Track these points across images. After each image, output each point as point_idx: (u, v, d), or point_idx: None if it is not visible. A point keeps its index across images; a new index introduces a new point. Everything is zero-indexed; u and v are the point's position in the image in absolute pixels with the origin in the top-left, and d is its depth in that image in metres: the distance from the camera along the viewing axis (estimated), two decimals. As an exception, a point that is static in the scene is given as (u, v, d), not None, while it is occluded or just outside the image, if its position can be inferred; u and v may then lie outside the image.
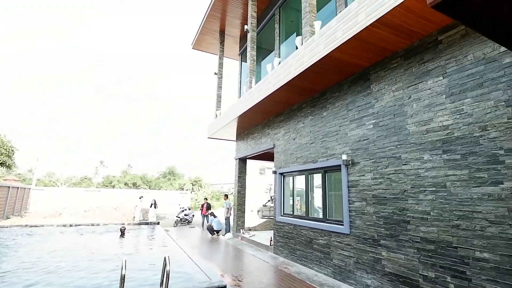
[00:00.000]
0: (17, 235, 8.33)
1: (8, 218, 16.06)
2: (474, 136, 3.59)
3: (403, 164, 4.49)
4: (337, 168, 5.96)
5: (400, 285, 4.31)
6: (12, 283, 4.29)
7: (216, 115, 11.64)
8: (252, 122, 9.87)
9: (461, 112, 3.75)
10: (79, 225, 10.37)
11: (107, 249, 7.00)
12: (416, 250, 4.15)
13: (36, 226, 9.75)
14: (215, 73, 12.22)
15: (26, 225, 9.71)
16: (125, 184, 39.31)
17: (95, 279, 4.58)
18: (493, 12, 1.55)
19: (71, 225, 10.16)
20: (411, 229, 4.25)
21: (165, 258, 3.55)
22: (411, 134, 4.40)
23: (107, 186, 38.43)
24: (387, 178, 4.75)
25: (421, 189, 4.18)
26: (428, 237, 4.01)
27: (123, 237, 8.05)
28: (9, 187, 16.21)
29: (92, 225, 10.57)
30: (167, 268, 3.46)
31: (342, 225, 5.60)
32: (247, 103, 8.28)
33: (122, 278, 3.19)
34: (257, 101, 7.60)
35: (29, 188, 22.30)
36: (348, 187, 5.53)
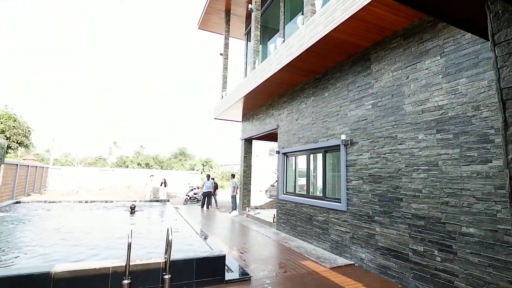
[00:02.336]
0: (36, 209, 8.97)
1: (29, 195, 17.07)
2: (467, 116, 3.64)
3: (398, 144, 4.58)
4: (336, 148, 6.09)
5: (391, 258, 4.55)
6: (35, 250, 4.78)
7: (222, 96, 11.75)
8: (257, 103, 9.96)
9: (456, 92, 3.77)
10: (94, 201, 11.02)
11: (119, 223, 7.52)
12: (407, 226, 4.34)
13: (54, 202, 10.44)
14: (221, 54, 12.19)
15: (45, 201, 10.42)
16: (138, 164, 40.50)
17: (107, 247, 5.03)
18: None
19: (86, 202, 10.82)
20: (404, 206, 4.42)
21: (168, 229, 3.89)
22: (408, 114, 4.45)
23: (120, 166, 39.70)
24: (383, 157, 4.86)
25: (414, 168, 4.30)
26: (419, 213, 4.18)
27: (133, 214, 8.55)
28: (28, 166, 17.07)
29: (106, 201, 11.22)
30: (170, 237, 3.80)
31: (340, 202, 5.82)
32: (251, 84, 8.35)
33: (129, 245, 3.54)
34: (260, 82, 7.66)
35: (47, 167, 23.39)
36: (346, 166, 5.68)
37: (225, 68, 11.99)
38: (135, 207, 9.09)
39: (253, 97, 9.09)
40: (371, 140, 5.15)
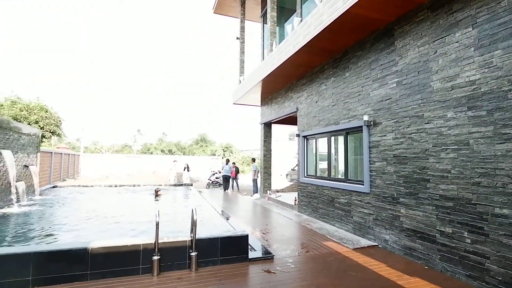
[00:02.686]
0: (71, 193, 9.62)
1: (64, 180, 18.30)
2: (503, 91, 3.39)
3: (425, 123, 4.39)
4: (358, 129, 5.94)
5: (417, 240, 4.48)
6: (74, 229, 5.17)
7: (240, 80, 11.70)
8: (275, 87, 9.84)
9: (490, 66, 3.51)
10: (123, 185, 11.63)
11: (146, 205, 7.91)
12: (434, 207, 4.21)
13: (87, 186, 11.14)
14: (237, 38, 12.03)
15: (79, 185, 11.14)
16: (162, 151, 41.87)
17: (137, 226, 5.34)
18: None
19: (116, 186, 11.44)
20: (431, 187, 4.28)
21: (192, 209, 4.05)
22: (435, 91, 4.22)
23: (145, 153, 41.25)
24: (408, 138, 4.69)
25: (442, 147, 4.11)
26: (447, 194, 4.04)
27: (158, 198, 8.88)
28: (61, 153, 18.20)
29: (134, 185, 11.80)
30: (195, 217, 3.96)
31: (363, 184, 5.73)
32: (268, 67, 8.23)
33: (157, 224, 3.74)
34: (278, 65, 7.53)
35: (78, 155, 24.84)
36: (369, 147, 5.55)
37: (242, 52, 11.86)
38: (159, 190, 9.47)
39: (271, 80, 8.97)
40: (395, 120, 4.96)
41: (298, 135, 8.51)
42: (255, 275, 3.88)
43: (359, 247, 5.16)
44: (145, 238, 3.91)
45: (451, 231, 3.99)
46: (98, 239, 4.01)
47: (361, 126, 5.74)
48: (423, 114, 4.43)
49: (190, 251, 3.96)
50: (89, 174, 23.66)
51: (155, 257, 3.75)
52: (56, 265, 3.44)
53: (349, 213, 6.10)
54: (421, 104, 4.45)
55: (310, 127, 7.87)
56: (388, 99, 5.12)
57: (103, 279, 3.57)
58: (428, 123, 4.33)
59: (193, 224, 3.97)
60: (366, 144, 5.59)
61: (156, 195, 9.05)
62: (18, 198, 6.97)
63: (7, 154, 6.43)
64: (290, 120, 10.58)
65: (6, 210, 6.23)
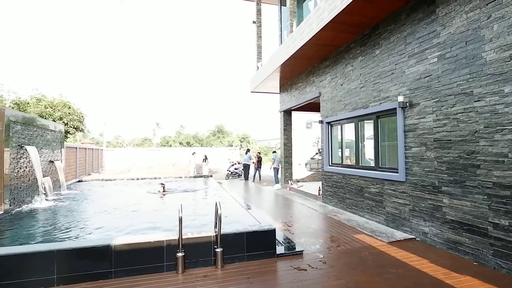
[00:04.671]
0: (95, 187, 9.76)
1: (89, 174, 18.90)
2: None
3: (475, 101, 3.83)
4: (391, 112, 5.41)
5: (463, 233, 4.01)
6: (98, 223, 5.11)
7: (258, 67, 11.26)
8: (296, 71, 9.33)
9: None
10: (143, 178, 11.72)
11: (166, 199, 7.82)
12: (486, 197, 3.71)
13: (110, 180, 11.31)
14: (254, 22, 11.52)
15: (102, 179, 11.33)
16: (180, 143, 42.46)
17: (161, 220, 5.21)
18: None
19: (138, 179, 11.54)
20: (482, 174, 3.76)
21: (216, 203, 3.80)
22: (489, 63, 3.64)
23: (164, 145, 42.01)
24: (453, 119, 4.15)
25: (497, 128, 3.57)
26: (503, 182, 3.52)
27: (165, 193, 8.30)
28: (85, 148, 18.75)
29: (154, 178, 11.85)
30: (219, 212, 3.71)
31: (397, 172, 5.25)
32: (288, 50, 7.74)
33: (180, 220, 3.53)
34: (299, 46, 7.03)
35: (102, 149, 25.60)
36: (405, 131, 5.03)
37: (259, 36, 11.36)
38: (164, 185, 8.42)
39: (291, 64, 8.49)
40: (436, 99, 4.41)
41: (321, 122, 8.04)
42: (285, 273, 3.60)
43: (394, 240, 4.74)
44: (168, 234, 3.72)
45: (507, 224, 3.49)
46: (120, 235, 3.88)
47: (395, 109, 5.21)
48: (472, 91, 3.87)
49: (215, 247, 3.73)
50: (112, 167, 24.37)
51: (180, 254, 3.56)
52: (80, 263, 3.33)
53: (381, 203, 5.66)
54: (470, 80, 3.88)
55: (335, 113, 7.38)
56: (427, 76, 4.56)
57: (128, 277, 3.43)
58: (479, 100, 3.78)
59: (218, 218, 3.72)
60: (401, 128, 5.07)
61: (164, 190, 8.44)
62: (45, 193, 7.09)
63: (32, 150, 6.48)
64: (312, 106, 10.08)
65: (34, 205, 6.32)
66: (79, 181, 11.06)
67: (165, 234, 3.73)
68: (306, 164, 21.91)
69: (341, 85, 7.01)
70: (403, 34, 5.05)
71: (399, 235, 4.98)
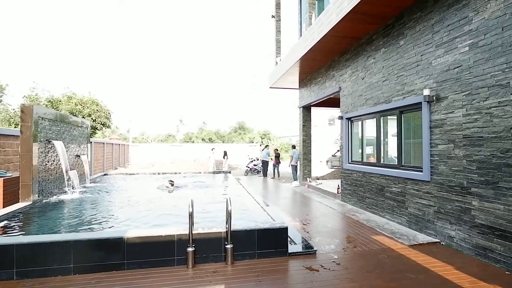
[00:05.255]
0: (118, 180, 10.15)
1: (116, 168, 19.78)
2: None
3: (511, 94, 3.45)
4: (416, 106, 5.06)
5: (495, 239, 3.66)
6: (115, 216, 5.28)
7: (276, 62, 11.08)
8: (315, 65, 9.05)
9: None
10: (164, 173, 12.01)
11: (182, 194, 7.92)
12: (521, 200, 3.35)
13: (133, 174, 11.72)
14: (273, 16, 11.33)
15: (126, 173, 11.77)
16: (202, 139, 43.26)
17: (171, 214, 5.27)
18: None
19: (158, 173, 11.86)
20: (517, 174, 3.39)
21: (227, 199, 3.75)
22: (529, 50, 3.25)
23: (187, 141, 43.02)
24: (486, 113, 3.78)
25: (537, 123, 3.19)
26: (542, 184, 3.15)
27: (171, 189, 8.15)
28: (112, 144, 19.62)
29: (175, 173, 12.11)
30: (229, 208, 3.66)
31: (421, 171, 4.91)
32: (307, 43, 7.50)
33: (190, 215, 3.52)
34: (318, 39, 6.78)
35: (128, 145, 26.70)
36: (430, 127, 4.68)
37: (278, 31, 11.15)
38: (173, 182, 8.23)
39: (310, 58, 8.23)
40: (467, 92, 4.04)
41: (341, 118, 7.74)
42: (296, 272, 3.48)
43: (416, 243, 4.45)
44: (179, 228, 3.74)
45: (547, 230, 3.12)
46: (133, 228, 3.96)
47: (420, 103, 4.86)
48: (508, 83, 3.49)
49: (226, 243, 3.70)
50: (138, 162, 25.35)
51: (190, 249, 3.56)
52: (95, 254, 3.43)
53: (403, 203, 5.34)
54: (506, 70, 3.50)
55: (355, 108, 7.06)
56: (457, 67, 4.18)
57: (140, 269, 3.49)
58: (516, 93, 3.40)
59: (228, 215, 3.68)
60: (427, 124, 4.72)
61: (172, 185, 8.31)
62: (71, 186, 7.47)
63: (59, 144, 6.83)
64: (332, 102, 9.76)
65: (60, 197, 6.67)
66: (104, 175, 11.57)
67: (176, 228, 3.75)
68: (327, 162, 21.45)
69: (362, 79, 6.68)
70: (430, 22, 4.67)
71: (422, 238, 4.66)
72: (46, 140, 6.44)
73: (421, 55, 4.89)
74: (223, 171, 13.84)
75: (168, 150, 28.75)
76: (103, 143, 16.72)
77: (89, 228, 4.55)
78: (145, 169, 18.92)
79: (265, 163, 14.50)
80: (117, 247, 3.48)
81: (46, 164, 6.37)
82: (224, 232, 3.74)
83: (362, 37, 6.59)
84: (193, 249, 3.58)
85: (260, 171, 16.65)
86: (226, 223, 3.74)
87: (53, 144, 6.66)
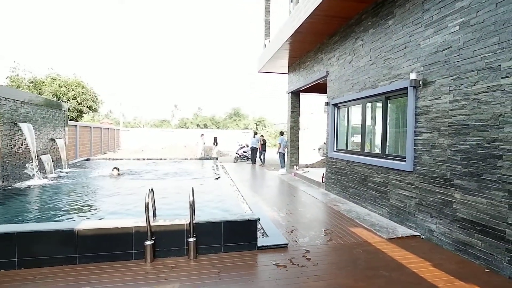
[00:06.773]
0: (99, 165, 9.78)
1: (105, 153, 19.35)
2: None
3: (502, 77, 3.12)
4: (402, 92, 4.72)
5: (476, 234, 3.43)
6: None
7: (265, 44, 10.56)
8: (304, 48, 8.59)
9: None
10: (150, 159, 11.68)
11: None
12: (507, 194, 3.09)
13: (116, 159, 11.36)
14: (262, -5, 10.69)
15: (109, 159, 11.42)
16: (197, 125, 42.67)
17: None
18: None
19: (143, 159, 11.52)
20: (504, 166, 3.12)
21: (191, 188, 3.46)
22: (524, 28, 2.90)
23: (182, 127, 42.42)
24: (473, 99, 3.46)
25: (528, 111, 2.88)
26: (528, 177, 2.88)
27: (116, 177, 7.72)
28: (100, 128, 19.08)
29: (160, 159, 11.78)
30: (191, 198, 3.37)
31: (404, 161, 4.64)
32: (295, 22, 7.03)
33: (146, 206, 3.22)
34: (304, 18, 6.31)
35: (118, 129, 26.13)
36: (416, 114, 4.37)
37: (268, 11, 10.57)
38: (118, 169, 7.87)
39: (299, 40, 7.77)
40: (455, 76, 3.70)
41: (327, 104, 7.39)
42: (262, 268, 3.24)
43: (395, 237, 4.23)
44: (138, 220, 3.44)
45: (530, 227, 2.89)
46: (86, 219, 3.66)
47: (406, 88, 4.52)
48: (499, 65, 3.15)
49: (189, 236, 3.43)
50: (128, 147, 24.90)
51: (148, 242, 3.28)
52: (42, 247, 3.14)
53: (385, 194, 5.10)
54: (498, 51, 3.15)
55: (342, 93, 6.70)
56: (446, 49, 3.82)
57: (93, 263, 3.22)
58: (507, 76, 3.07)
59: (191, 205, 3.39)
60: (412, 111, 4.40)
61: (118, 174, 7.70)
62: (43, 171, 7.10)
63: (26, 127, 6.42)
64: (320, 87, 9.36)
65: (28, 182, 6.32)
66: (87, 160, 11.21)
67: (135, 220, 3.46)
68: (319, 149, 21.18)
69: (349, 63, 6.29)
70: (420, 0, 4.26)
71: (402, 231, 4.45)
72: (11, 122, 6.03)
73: (409, 36, 4.50)
74: (211, 157, 13.55)
75: (160, 135, 28.25)
76: (90, 127, 16.21)
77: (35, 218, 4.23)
78: (134, 154, 18.54)
79: (254, 150, 14.23)
80: (67, 239, 3.19)
81: (12, 148, 5.99)
82: (187, 224, 3.46)
83: (352, 17, 6.13)
84: (152, 242, 3.31)
85: (250, 158, 16.38)
86: (190, 215, 3.45)
87: (20, 127, 6.25)
